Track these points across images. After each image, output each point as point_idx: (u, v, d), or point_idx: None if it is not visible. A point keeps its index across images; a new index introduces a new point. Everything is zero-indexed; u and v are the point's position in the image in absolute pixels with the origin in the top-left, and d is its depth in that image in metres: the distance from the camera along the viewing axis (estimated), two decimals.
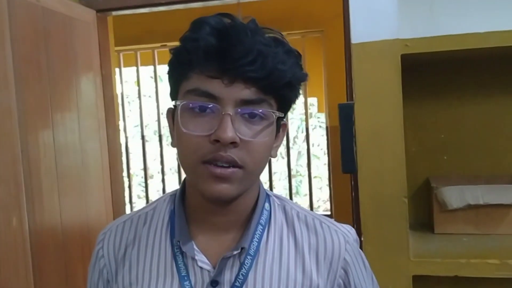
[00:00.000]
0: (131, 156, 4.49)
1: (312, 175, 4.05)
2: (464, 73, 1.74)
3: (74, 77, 2.12)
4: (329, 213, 3.59)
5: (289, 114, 6.94)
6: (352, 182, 1.94)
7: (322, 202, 6.42)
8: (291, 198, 4.10)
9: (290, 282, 0.81)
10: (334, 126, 3.29)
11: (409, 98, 1.53)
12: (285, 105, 0.80)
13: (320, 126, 6.31)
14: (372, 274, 0.92)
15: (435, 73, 1.77)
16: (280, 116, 0.79)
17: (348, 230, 0.89)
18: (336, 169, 3.39)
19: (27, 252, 1.76)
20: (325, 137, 6.46)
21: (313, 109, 4.73)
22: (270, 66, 0.73)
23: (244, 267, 0.81)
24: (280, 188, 6.19)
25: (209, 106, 0.73)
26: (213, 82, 0.72)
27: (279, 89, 0.76)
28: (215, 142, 0.72)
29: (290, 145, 5.83)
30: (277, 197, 0.91)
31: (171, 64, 0.79)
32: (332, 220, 0.90)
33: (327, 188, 6.42)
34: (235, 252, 0.81)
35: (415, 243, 1.58)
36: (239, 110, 0.73)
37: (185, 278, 0.81)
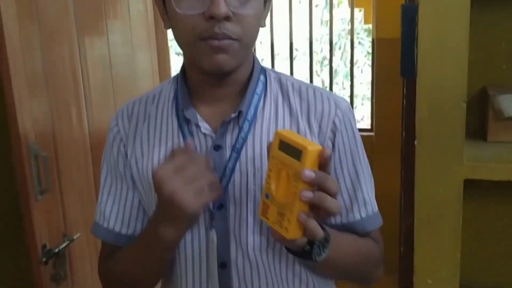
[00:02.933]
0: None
1: (348, 93, 4.01)
2: None
3: None
4: (369, 127, 3.59)
5: (324, 30, 6.64)
6: (405, 90, 1.93)
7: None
8: None
9: None
10: (381, 38, 3.19)
11: (473, 3, 1.46)
12: None
13: (359, 43, 6.13)
14: (363, 151, 0.96)
15: None
16: None
17: (342, 99, 0.95)
18: (380, 85, 3.34)
19: (87, 147, 1.84)
20: (363, 53, 6.32)
21: (356, 24, 4.57)
22: None
23: (243, 131, 0.89)
24: None
25: None
26: None
27: None
28: (210, 18, 0.77)
29: (326, 62, 5.71)
30: (273, 71, 0.97)
31: None
32: (329, 91, 0.97)
33: (361, 107, 6.39)
34: (233, 115, 0.88)
35: (468, 149, 1.58)
36: None
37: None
